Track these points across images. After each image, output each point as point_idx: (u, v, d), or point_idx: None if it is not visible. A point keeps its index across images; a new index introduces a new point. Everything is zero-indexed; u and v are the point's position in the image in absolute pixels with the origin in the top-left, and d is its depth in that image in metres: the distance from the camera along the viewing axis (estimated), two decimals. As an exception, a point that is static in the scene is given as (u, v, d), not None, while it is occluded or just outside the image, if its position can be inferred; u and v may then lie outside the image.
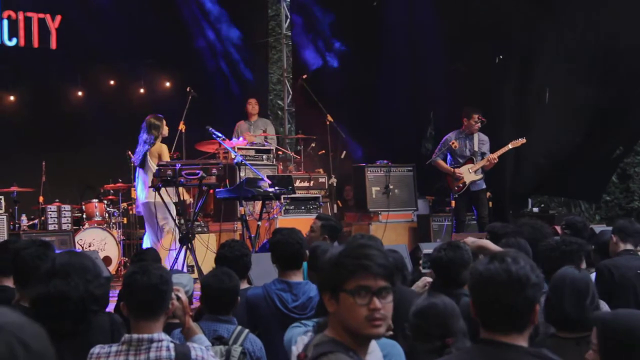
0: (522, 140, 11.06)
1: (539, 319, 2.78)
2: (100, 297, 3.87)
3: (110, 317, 3.93)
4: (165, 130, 9.65)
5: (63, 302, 3.69)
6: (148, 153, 9.30)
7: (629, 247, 6.08)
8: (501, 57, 12.55)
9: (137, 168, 9.58)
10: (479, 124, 11.04)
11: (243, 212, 9.10)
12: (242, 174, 9.76)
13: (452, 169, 11.02)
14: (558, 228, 8.14)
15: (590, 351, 3.13)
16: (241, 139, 12.22)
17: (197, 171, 8.57)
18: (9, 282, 4.74)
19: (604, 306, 4.60)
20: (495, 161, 10.96)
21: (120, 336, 3.60)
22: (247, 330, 4.46)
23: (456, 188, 11.00)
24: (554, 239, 5.54)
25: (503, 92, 12.44)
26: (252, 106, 13.04)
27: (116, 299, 5.20)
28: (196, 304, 5.49)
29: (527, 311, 2.64)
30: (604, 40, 11.79)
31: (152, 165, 9.23)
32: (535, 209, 11.89)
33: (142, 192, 9.45)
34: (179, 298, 3.83)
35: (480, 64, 12.56)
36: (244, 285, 5.42)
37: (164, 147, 9.42)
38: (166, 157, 9.39)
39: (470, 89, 12.28)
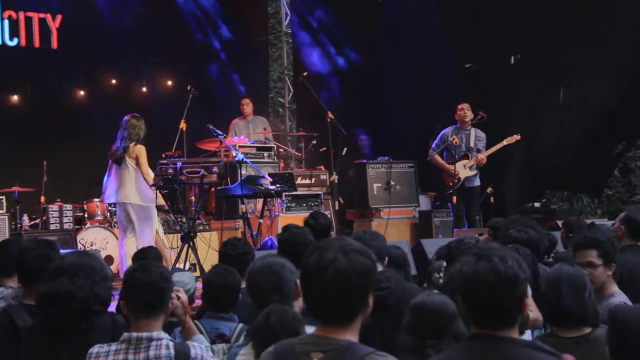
0: (516, 137, 11.12)
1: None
2: (106, 299, 3.88)
3: (112, 318, 3.94)
4: (143, 132, 9.27)
5: (68, 301, 3.70)
6: (126, 153, 9.13)
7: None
8: (518, 56, 12.59)
9: (113, 165, 9.30)
10: (469, 113, 11.10)
11: (244, 210, 9.10)
12: (244, 172, 9.74)
13: (448, 166, 11.06)
14: (560, 223, 8.16)
15: None
16: (242, 136, 12.22)
17: (199, 169, 8.58)
18: (11, 283, 4.75)
19: (621, 297, 4.60)
20: (484, 162, 11.00)
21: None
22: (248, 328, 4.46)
23: (451, 184, 11.03)
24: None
25: (514, 91, 12.46)
26: (247, 106, 12.97)
27: (118, 298, 5.20)
28: (198, 302, 5.50)
29: (517, 308, 2.66)
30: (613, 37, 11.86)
31: (131, 165, 9.03)
32: (537, 204, 11.87)
33: (135, 193, 9.19)
34: (179, 297, 3.83)
35: (492, 63, 12.61)
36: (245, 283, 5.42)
37: (142, 149, 9.10)
38: (144, 160, 9.04)
39: (480, 88, 12.28)
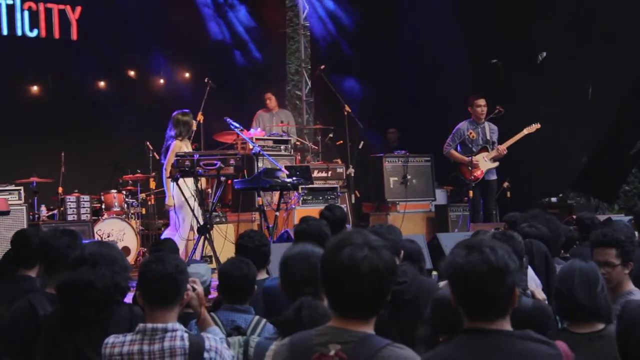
0: (536, 126, 11.11)
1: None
2: (125, 288, 3.91)
3: (130, 309, 3.97)
4: (193, 126, 9.64)
5: (88, 290, 3.74)
6: (170, 151, 9.28)
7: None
8: (544, 54, 12.55)
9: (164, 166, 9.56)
10: (482, 109, 11.07)
11: (261, 203, 9.11)
12: (260, 165, 9.76)
13: (468, 158, 11.02)
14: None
15: None
16: (259, 129, 12.24)
17: (215, 162, 8.59)
18: (32, 273, 4.81)
19: (639, 294, 4.59)
20: (505, 152, 11.00)
21: None
22: (264, 320, 4.46)
23: (472, 177, 10.99)
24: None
25: (529, 87, 12.42)
26: (270, 100, 13.07)
27: (134, 289, 5.23)
28: (214, 294, 5.52)
29: (508, 297, 2.72)
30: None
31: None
32: (554, 199, 11.84)
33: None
34: (194, 289, 3.85)
35: (507, 59, 12.60)
36: (262, 275, 5.44)
37: (178, 145, 9.35)
38: (172, 156, 9.17)
39: (495, 83, 12.27)
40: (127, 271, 3.97)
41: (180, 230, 9.39)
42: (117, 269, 3.87)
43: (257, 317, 4.47)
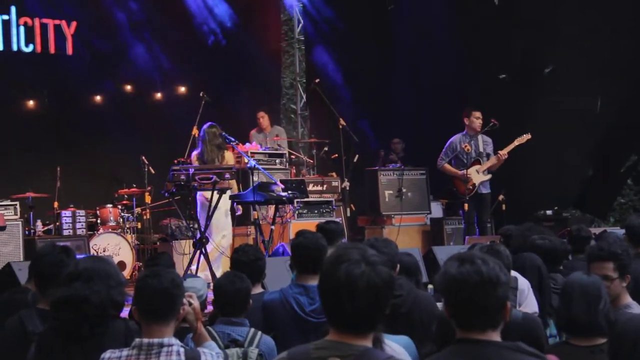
0: (527, 136, 11.13)
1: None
2: (121, 303, 3.91)
3: (125, 324, 3.96)
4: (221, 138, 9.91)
5: (83, 305, 3.72)
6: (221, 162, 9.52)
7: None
8: (551, 67, 12.66)
9: None
10: (480, 121, 11.11)
11: (256, 217, 9.12)
12: (255, 178, 9.78)
13: (461, 172, 11.04)
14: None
15: None
16: (254, 143, 12.25)
17: (211, 175, 8.61)
18: (30, 285, 4.83)
19: (637, 308, 4.59)
20: (506, 157, 11.02)
21: None
22: (260, 332, 4.50)
23: (466, 191, 11.01)
24: None
25: (523, 100, 12.50)
26: (263, 119, 12.86)
27: (130, 304, 5.24)
28: (210, 308, 5.53)
29: (499, 309, 2.74)
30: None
31: None
32: (549, 212, 11.88)
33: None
34: (190, 303, 3.84)
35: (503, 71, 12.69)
36: (258, 289, 5.44)
37: (231, 155, 9.75)
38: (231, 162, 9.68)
39: (489, 96, 12.33)
40: (122, 286, 3.96)
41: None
42: (112, 284, 3.86)
43: (252, 330, 4.50)
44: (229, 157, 9.74)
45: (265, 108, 13.07)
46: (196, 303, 3.88)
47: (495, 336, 2.77)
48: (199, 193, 9.17)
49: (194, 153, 9.93)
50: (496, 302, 2.74)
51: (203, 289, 4.93)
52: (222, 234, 9.64)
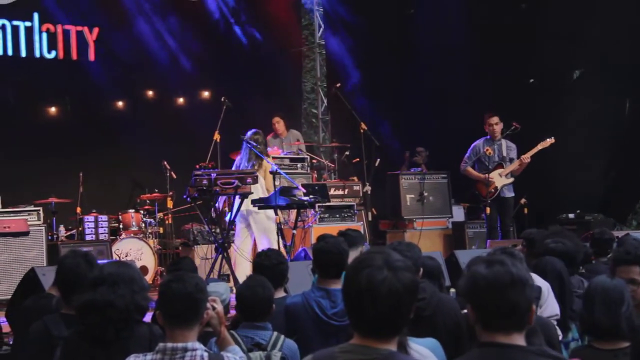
0: (550, 140, 11.04)
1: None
2: (145, 308, 3.93)
3: (149, 328, 3.98)
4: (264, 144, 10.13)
5: (108, 309, 3.75)
6: (260, 169, 9.63)
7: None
8: (582, 70, 12.65)
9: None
10: (498, 128, 11.05)
11: (278, 221, 9.14)
12: (277, 183, 9.79)
13: (484, 175, 11.00)
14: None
15: None
16: (275, 147, 12.27)
17: (233, 180, 8.63)
18: (54, 291, 4.88)
19: None
20: (528, 161, 10.96)
21: None
22: (283, 336, 4.51)
23: (488, 194, 10.97)
24: None
25: (545, 103, 12.47)
26: (278, 124, 12.82)
27: (153, 308, 5.26)
28: (233, 312, 5.54)
29: (526, 310, 2.75)
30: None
31: (262, 178, 9.60)
32: (571, 215, 11.82)
33: None
34: (214, 308, 3.86)
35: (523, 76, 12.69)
36: (280, 293, 5.45)
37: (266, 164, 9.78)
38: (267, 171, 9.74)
39: (512, 100, 12.33)
40: (145, 290, 3.98)
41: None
42: (136, 289, 3.89)
43: (275, 333, 4.51)
44: (266, 165, 9.79)
45: (280, 113, 13.00)
46: (220, 307, 3.89)
47: (520, 340, 2.77)
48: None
49: (237, 157, 10.02)
50: (525, 303, 2.75)
51: (226, 294, 4.94)
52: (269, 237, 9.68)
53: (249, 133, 9.90)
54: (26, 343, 4.40)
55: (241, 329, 4.53)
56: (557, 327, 4.79)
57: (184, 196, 9.11)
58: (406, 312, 2.69)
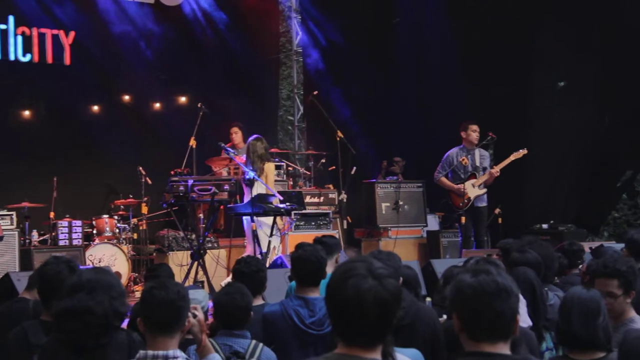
0: (523, 151, 11.14)
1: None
2: (123, 314, 3.91)
3: (128, 335, 3.96)
4: (266, 150, 10.12)
5: (87, 316, 3.72)
6: (260, 174, 9.63)
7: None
8: (564, 82, 12.75)
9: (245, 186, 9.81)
10: (477, 134, 11.14)
11: (254, 228, 9.13)
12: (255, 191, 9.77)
13: (457, 185, 11.07)
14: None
15: None
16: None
17: (210, 187, 8.62)
18: (29, 296, 4.84)
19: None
20: (497, 174, 11.04)
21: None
22: (261, 344, 4.50)
23: (461, 204, 11.04)
24: None
25: (521, 113, 12.58)
26: (236, 134, 12.12)
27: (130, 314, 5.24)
28: (210, 319, 5.53)
29: (511, 319, 2.79)
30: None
31: (263, 182, 9.67)
32: (545, 226, 11.90)
33: None
34: (195, 315, 3.85)
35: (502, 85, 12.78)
36: (259, 301, 5.45)
37: (271, 167, 9.96)
38: (272, 178, 9.87)
39: (487, 109, 12.42)
40: (124, 296, 3.97)
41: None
42: (115, 295, 3.86)
43: (254, 342, 4.50)
44: (269, 169, 9.84)
45: (239, 124, 12.43)
46: (201, 315, 3.88)
47: (506, 349, 2.80)
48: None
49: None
50: (509, 312, 2.78)
51: (204, 301, 4.93)
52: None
53: (251, 138, 9.99)
54: (3, 349, 4.36)
55: (219, 337, 4.51)
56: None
57: (161, 202, 9.08)
58: (392, 320, 2.69)
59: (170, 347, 3.52)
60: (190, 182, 8.58)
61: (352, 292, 2.64)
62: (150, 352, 3.50)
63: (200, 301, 4.73)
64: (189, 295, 4.37)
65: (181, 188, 8.53)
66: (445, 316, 5.26)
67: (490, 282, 2.77)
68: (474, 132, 11.19)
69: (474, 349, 2.80)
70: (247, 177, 9.57)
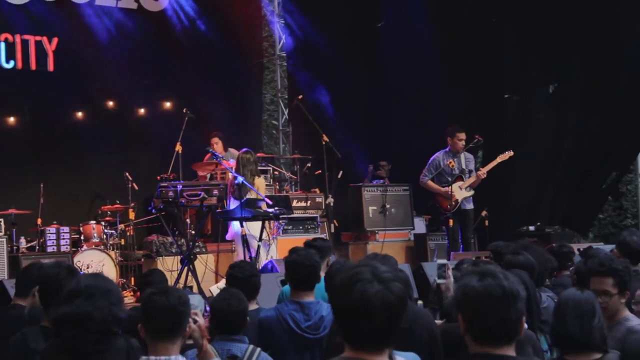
0: (509, 153, 11.21)
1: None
2: (122, 320, 3.91)
3: (127, 341, 3.95)
4: (255, 164, 10.15)
5: (86, 322, 3.71)
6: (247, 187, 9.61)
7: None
8: (556, 85, 12.82)
9: (231, 198, 9.77)
10: (463, 143, 11.20)
11: (244, 233, 9.14)
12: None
13: (445, 188, 11.11)
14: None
15: None
16: (232, 160, 12.25)
17: (199, 192, 8.63)
18: (24, 302, 4.83)
19: (635, 320, 4.63)
20: (484, 176, 11.10)
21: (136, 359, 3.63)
22: (259, 349, 4.51)
23: (449, 207, 11.08)
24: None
25: (507, 116, 12.67)
26: (217, 145, 12.12)
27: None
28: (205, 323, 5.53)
29: (517, 323, 2.82)
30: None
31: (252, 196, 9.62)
32: (532, 228, 11.97)
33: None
34: (196, 321, 3.85)
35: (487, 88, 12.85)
36: (253, 306, 5.46)
37: (262, 182, 9.96)
38: (263, 191, 9.82)
39: (473, 113, 12.48)
40: (122, 302, 3.96)
41: None
42: (114, 300, 3.84)
43: (251, 346, 4.52)
44: (260, 183, 9.85)
45: (219, 134, 12.43)
46: (201, 320, 3.88)
47: (511, 351, 2.83)
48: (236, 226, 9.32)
49: (231, 176, 10.03)
50: (516, 315, 2.81)
51: (200, 306, 4.94)
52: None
53: (241, 152, 10.04)
54: (3, 355, 4.35)
55: (217, 341, 4.52)
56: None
57: (150, 207, 9.07)
58: (398, 323, 2.71)
59: (172, 353, 3.53)
60: (180, 187, 8.59)
61: (359, 297, 2.66)
62: (152, 358, 3.50)
63: (195, 306, 4.73)
64: (186, 300, 4.39)
65: (170, 193, 8.53)
66: (439, 320, 5.30)
67: (497, 286, 2.80)
68: (460, 141, 11.23)
69: (479, 351, 2.83)
70: (237, 181, 9.58)
